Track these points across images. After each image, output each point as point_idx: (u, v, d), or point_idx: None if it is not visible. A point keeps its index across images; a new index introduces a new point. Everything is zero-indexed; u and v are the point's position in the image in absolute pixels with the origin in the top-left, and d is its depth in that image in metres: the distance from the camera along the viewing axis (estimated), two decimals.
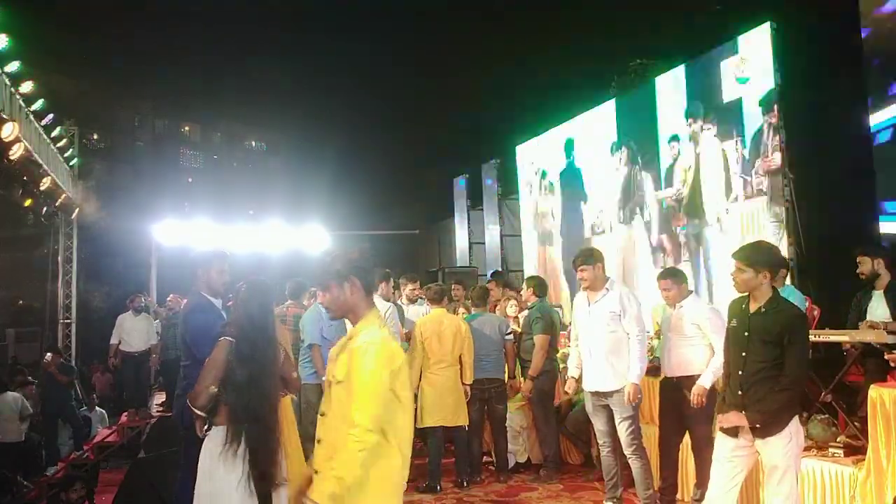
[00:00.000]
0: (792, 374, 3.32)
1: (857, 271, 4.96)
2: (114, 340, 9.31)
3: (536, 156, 11.52)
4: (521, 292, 6.72)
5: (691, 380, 4.65)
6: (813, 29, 6.64)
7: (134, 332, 9.22)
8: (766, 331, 3.38)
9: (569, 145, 10.62)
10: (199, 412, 3.09)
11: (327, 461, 2.35)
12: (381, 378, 2.36)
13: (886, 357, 4.14)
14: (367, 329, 2.48)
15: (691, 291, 4.98)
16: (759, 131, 6.98)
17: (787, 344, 3.32)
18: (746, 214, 7.13)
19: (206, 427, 3.10)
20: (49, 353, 8.87)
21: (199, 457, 3.09)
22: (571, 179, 10.56)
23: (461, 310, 6.92)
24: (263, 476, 3.01)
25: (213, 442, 3.03)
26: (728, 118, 7.37)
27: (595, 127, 9.89)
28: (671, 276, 4.92)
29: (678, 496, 4.89)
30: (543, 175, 11.32)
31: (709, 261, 7.67)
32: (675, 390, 4.76)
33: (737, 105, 7.25)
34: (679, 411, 4.76)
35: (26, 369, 9.34)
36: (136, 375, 9.38)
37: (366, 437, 2.28)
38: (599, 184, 9.78)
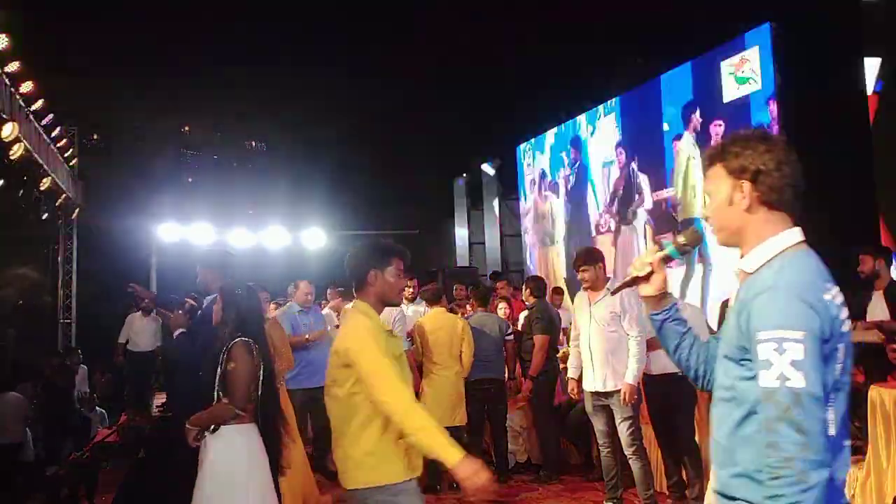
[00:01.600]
0: None
1: (858, 269, 4.96)
2: (121, 339, 9.44)
3: (537, 156, 11.52)
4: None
5: (674, 377, 4.65)
6: (813, 29, 6.64)
7: (143, 332, 9.36)
8: None
9: (570, 145, 10.62)
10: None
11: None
12: None
13: (889, 350, 4.12)
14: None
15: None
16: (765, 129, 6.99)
17: None
18: None
19: (211, 430, 3.15)
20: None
21: (224, 454, 3.12)
22: (573, 179, 10.56)
23: (466, 310, 6.93)
24: (276, 465, 3.21)
25: (245, 437, 3.13)
26: (735, 116, 7.38)
27: (597, 126, 9.90)
28: None
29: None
30: (544, 175, 11.32)
31: (713, 260, 7.67)
32: (659, 388, 4.76)
33: (742, 103, 7.26)
34: (665, 409, 4.77)
35: (26, 369, 9.33)
36: (142, 375, 9.44)
37: None
38: (602, 183, 9.78)
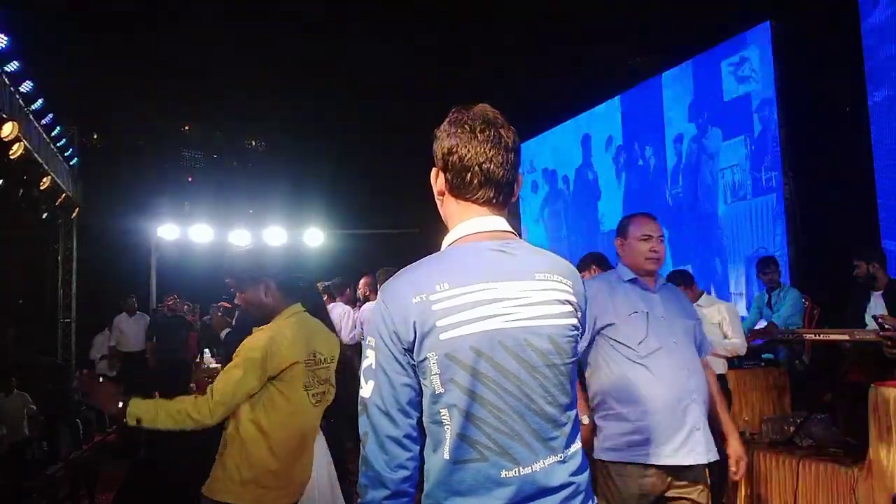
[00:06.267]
0: None
1: (853, 274, 4.95)
2: (111, 342, 9.47)
3: (537, 155, 11.52)
4: None
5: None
6: (813, 28, 6.64)
7: (129, 333, 9.40)
8: None
9: (571, 144, 10.62)
10: None
11: None
12: (244, 359, 2.40)
13: (885, 346, 4.07)
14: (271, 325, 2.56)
15: (703, 291, 4.90)
16: (765, 129, 6.99)
17: None
18: (755, 211, 7.15)
19: None
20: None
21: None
22: (574, 178, 10.56)
23: None
24: None
25: None
26: (735, 116, 7.38)
27: (598, 125, 9.89)
28: (684, 281, 4.81)
29: None
30: (544, 174, 11.32)
31: (715, 259, 7.67)
32: None
33: (743, 102, 7.26)
34: None
35: (24, 369, 9.34)
36: (133, 375, 9.46)
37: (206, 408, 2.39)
38: (604, 182, 9.78)
